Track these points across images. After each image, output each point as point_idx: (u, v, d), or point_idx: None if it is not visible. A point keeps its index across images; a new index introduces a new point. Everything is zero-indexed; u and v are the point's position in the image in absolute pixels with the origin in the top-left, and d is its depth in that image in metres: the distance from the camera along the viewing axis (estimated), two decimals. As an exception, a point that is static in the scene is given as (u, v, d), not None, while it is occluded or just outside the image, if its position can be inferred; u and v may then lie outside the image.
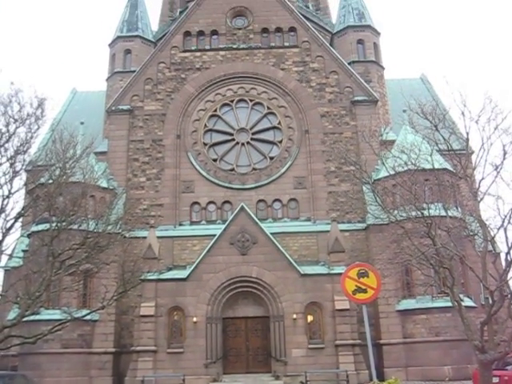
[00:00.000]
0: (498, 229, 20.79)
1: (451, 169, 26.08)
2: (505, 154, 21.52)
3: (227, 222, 29.87)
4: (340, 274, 15.90)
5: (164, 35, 38.67)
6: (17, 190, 22.70)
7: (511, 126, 21.63)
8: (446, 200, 25.21)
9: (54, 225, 22.01)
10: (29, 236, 28.91)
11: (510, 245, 20.44)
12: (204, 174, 33.08)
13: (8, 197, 22.01)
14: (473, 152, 24.64)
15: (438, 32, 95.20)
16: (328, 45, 36.45)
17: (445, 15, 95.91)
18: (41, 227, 25.66)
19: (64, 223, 21.63)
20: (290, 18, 36.38)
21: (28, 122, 21.85)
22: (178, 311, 28.11)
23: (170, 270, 30.07)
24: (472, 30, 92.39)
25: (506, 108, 21.94)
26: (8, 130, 22.20)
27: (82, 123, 33.63)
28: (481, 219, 21.93)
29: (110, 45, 39.79)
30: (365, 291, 13.26)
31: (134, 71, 36.26)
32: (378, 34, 39.38)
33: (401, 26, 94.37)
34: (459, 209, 25.93)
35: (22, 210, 22.63)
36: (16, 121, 22.22)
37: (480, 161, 21.90)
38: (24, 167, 23.05)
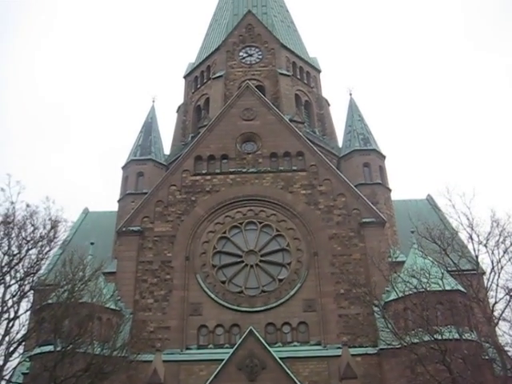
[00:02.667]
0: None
1: (463, 290, 25.71)
2: (516, 277, 21.36)
3: (235, 346, 29.11)
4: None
5: (176, 159, 39.94)
6: (24, 312, 22.52)
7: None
8: (459, 323, 24.67)
9: (58, 348, 21.58)
10: (30, 358, 28.00)
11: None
12: (212, 296, 32.71)
13: (14, 319, 21.78)
14: (484, 272, 24.45)
15: (442, 151, 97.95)
16: (335, 168, 37.42)
17: (448, 134, 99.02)
18: (44, 349, 24.96)
19: (69, 347, 21.22)
20: (297, 143, 37.65)
21: (40, 243, 22.15)
22: None
23: (175, 396, 28.89)
24: (476, 149, 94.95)
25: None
26: (20, 252, 22.44)
27: (92, 243, 34.04)
28: (498, 345, 21.29)
29: (123, 167, 41.04)
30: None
31: (146, 193, 37.06)
32: (384, 157, 40.49)
33: (406, 148, 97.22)
34: (474, 332, 25.26)
35: (27, 333, 22.29)
36: (28, 242, 22.52)
37: (491, 284, 21.74)
38: (32, 288, 23.02)
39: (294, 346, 31.33)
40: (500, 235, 21.91)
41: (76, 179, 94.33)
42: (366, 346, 30.11)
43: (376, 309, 27.45)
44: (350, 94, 44.23)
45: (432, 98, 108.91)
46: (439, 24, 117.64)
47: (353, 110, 43.16)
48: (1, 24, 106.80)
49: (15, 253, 22.46)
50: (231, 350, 29.12)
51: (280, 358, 28.66)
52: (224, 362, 28.39)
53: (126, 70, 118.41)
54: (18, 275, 22.24)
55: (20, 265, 22.62)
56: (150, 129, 43.51)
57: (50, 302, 23.62)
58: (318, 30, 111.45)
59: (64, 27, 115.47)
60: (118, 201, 39.53)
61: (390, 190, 38.85)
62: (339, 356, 29.12)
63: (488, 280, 22.17)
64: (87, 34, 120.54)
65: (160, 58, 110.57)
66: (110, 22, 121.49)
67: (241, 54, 48.34)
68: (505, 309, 20.96)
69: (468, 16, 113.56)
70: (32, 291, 23.75)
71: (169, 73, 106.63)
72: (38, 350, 26.14)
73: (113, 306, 30.34)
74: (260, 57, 48.03)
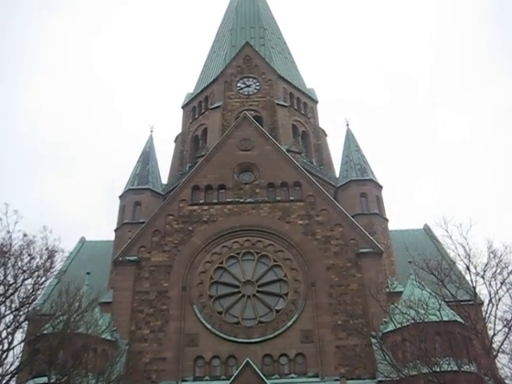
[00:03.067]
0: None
1: (462, 321, 25.55)
2: (515, 309, 21.26)
3: (232, 378, 28.84)
4: None
5: (173, 188, 40.04)
6: (18, 343, 22.27)
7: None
8: (458, 354, 24.48)
9: (52, 380, 21.30)
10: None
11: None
12: (209, 327, 32.41)
13: (8, 350, 21.53)
14: (482, 303, 24.33)
15: (439, 181, 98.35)
16: (332, 198, 37.51)
17: (445, 164, 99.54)
18: (38, 381, 24.57)
19: (64, 379, 20.95)
20: (294, 174, 37.83)
21: (36, 273, 22.02)
22: None
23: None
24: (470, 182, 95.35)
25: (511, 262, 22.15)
26: (16, 281, 22.28)
27: (88, 273, 33.80)
28: (497, 378, 21.11)
29: (120, 197, 41.03)
30: None
31: (143, 222, 37.01)
32: (380, 187, 40.61)
33: (403, 178, 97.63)
34: (473, 364, 25.02)
35: (21, 364, 22.01)
36: (24, 272, 22.38)
37: (489, 316, 21.65)
38: (27, 319, 22.80)
39: (292, 377, 30.97)
40: (497, 266, 21.92)
41: (73, 208, 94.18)
42: (364, 378, 29.80)
43: (374, 340, 27.28)
44: (347, 125, 44.58)
45: (429, 128, 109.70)
46: (433, 56, 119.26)
47: (349, 141, 43.42)
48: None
49: (11, 283, 22.30)
50: (228, 382, 28.78)
51: (277, 391, 28.30)
52: (220, 394, 28.04)
53: (125, 100, 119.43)
54: (13, 305, 22.05)
55: (15, 295, 22.43)
56: (147, 158, 43.65)
57: (45, 332, 23.39)
58: (315, 61, 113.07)
59: (64, 55, 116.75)
60: (115, 230, 39.42)
61: (387, 220, 38.88)
62: (337, 388, 28.82)
63: (486, 312, 22.08)
64: (87, 62, 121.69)
65: (158, 88, 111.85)
66: (111, 52, 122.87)
67: (239, 84, 48.90)
68: (504, 341, 20.85)
69: (455, 58, 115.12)
70: (27, 322, 23.54)
71: (167, 103, 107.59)
72: (31, 383, 25.78)
73: (108, 337, 30.03)
74: (258, 87, 48.57)
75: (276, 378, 30.50)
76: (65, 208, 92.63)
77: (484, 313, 22.84)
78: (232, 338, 32.04)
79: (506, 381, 21.07)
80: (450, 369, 22.64)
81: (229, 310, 33.33)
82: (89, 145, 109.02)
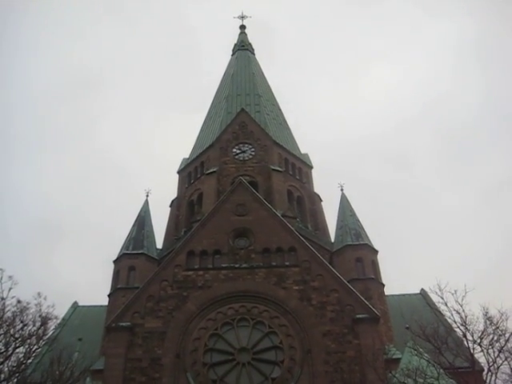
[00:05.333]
0: None
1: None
2: (514, 378, 20.95)
3: None
4: None
5: (168, 253, 39.95)
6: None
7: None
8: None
9: None
10: None
11: None
12: (203, 396, 31.66)
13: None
14: (482, 370, 23.98)
15: (435, 245, 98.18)
16: (327, 263, 37.39)
17: (441, 227, 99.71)
18: None
19: None
20: (290, 239, 37.82)
21: (28, 341, 21.69)
22: None
23: None
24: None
25: (508, 329, 22.00)
26: (7, 349, 21.92)
27: (79, 339, 33.25)
28: None
29: (115, 261, 40.85)
30: None
31: (137, 287, 36.66)
32: (376, 251, 40.60)
33: (398, 242, 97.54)
34: None
35: None
36: (16, 339, 22.05)
37: (489, 388, 21.27)
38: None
39: None
40: (494, 334, 21.74)
41: (65, 272, 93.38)
42: None
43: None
44: (342, 190, 45.03)
45: (424, 192, 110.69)
46: (422, 116, 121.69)
47: (344, 206, 43.76)
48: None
49: (2, 351, 21.91)
50: None
51: None
52: None
53: (121, 165, 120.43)
54: (3, 375, 21.59)
55: (5, 363, 21.99)
56: (143, 222, 43.74)
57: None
58: (309, 126, 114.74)
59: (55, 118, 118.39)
60: (109, 295, 39.05)
61: (383, 285, 38.69)
62: None
63: (485, 381, 21.74)
64: (82, 127, 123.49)
65: (154, 153, 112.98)
66: (108, 117, 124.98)
67: (234, 150, 49.69)
68: (505, 412, 20.42)
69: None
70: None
71: (163, 168, 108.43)
72: None
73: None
74: (253, 153, 49.34)
75: None
76: (57, 272, 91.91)
77: (484, 381, 22.48)
78: (227, 408, 31.22)
79: None
80: None
81: (223, 378, 32.55)
82: (82, 208, 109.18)
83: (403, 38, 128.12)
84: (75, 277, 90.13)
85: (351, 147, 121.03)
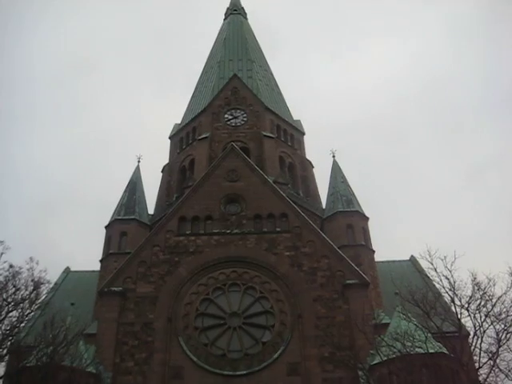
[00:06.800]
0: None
1: (448, 353, 25.53)
2: (499, 341, 21.39)
3: (217, 412, 28.50)
4: None
5: (160, 219, 39.97)
6: (0, 378, 21.94)
7: (502, 313, 21.86)
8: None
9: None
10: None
11: None
12: (194, 359, 32.05)
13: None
14: (468, 335, 24.41)
15: (426, 212, 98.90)
16: (319, 230, 37.63)
17: (432, 195, 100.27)
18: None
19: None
20: (281, 205, 37.96)
21: (21, 305, 21.81)
22: None
23: None
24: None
25: (495, 294, 22.34)
26: (0, 314, 22.04)
27: (72, 304, 33.42)
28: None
29: (106, 227, 40.89)
30: None
31: (129, 253, 36.84)
32: (367, 218, 40.84)
33: (389, 209, 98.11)
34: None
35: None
36: (9, 304, 22.15)
37: (475, 349, 21.73)
38: (10, 352, 22.49)
39: (278, 413, 30.63)
40: (481, 299, 22.08)
41: (58, 238, 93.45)
42: (351, 413, 29.49)
43: (360, 373, 27.16)
44: (333, 157, 45.08)
45: (415, 162, 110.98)
46: (419, 85, 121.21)
47: (336, 172, 43.84)
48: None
49: (-5, 315, 22.05)
50: (213, 416, 28.45)
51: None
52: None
53: (112, 130, 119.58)
54: (-5, 339, 21.76)
55: (-2, 327, 22.16)
56: (134, 188, 43.67)
57: (28, 365, 23.04)
58: (302, 92, 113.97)
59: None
60: (101, 260, 39.22)
61: (373, 252, 39.04)
62: (324, 422, 28.59)
63: (471, 344, 22.16)
64: (77, 88, 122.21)
65: (146, 118, 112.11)
66: (99, 81, 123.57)
67: (226, 116, 49.34)
68: (489, 374, 20.91)
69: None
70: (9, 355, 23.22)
71: (155, 133, 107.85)
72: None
73: (93, 371, 29.57)
74: (245, 119, 49.02)
75: (262, 412, 30.16)
76: (50, 237, 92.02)
77: (470, 345, 22.92)
78: (218, 371, 31.66)
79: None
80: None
81: (215, 342, 33.03)
82: (74, 174, 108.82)
83: (402, 14, 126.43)
84: (68, 245, 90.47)
85: (345, 119, 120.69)
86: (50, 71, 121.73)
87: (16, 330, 22.25)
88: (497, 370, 20.90)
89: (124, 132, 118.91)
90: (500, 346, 21.34)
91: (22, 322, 22.00)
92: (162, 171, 50.30)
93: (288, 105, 55.94)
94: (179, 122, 54.23)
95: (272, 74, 58.89)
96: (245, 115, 49.28)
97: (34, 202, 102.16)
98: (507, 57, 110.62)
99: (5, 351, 21.57)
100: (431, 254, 23.10)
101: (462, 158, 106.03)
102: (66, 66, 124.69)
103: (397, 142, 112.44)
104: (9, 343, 22.26)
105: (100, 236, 40.75)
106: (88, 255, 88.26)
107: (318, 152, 53.03)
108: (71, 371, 22.68)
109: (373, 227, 40.53)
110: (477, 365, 21.37)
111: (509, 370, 20.61)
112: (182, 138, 51.17)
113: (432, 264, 23.06)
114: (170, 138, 52.92)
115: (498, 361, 20.85)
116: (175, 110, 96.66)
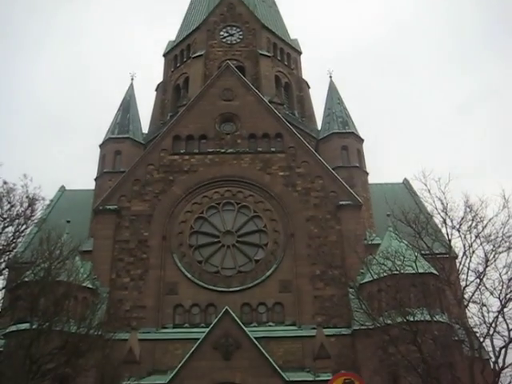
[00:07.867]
0: (484, 337, 20.70)
1: (436, 273, 26.18)
2: (487, 261, 21.87)
3: (211, 326, 29.45)
4: (326, 381, 15.59)
5: (154, 138, 39.70)
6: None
7: (492, 234, 22.22)
8: (431, 305, 25.17)
9: (34, 326, 21.52)
10: (5, 336, 27.71)
11: (496, 354, 20.29)
12: (189, 276, 32.86)
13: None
14: (456, 256, 24.91)
15: (420, 135, 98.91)
16: (313, 150, 37.59)
17: (427, 118, 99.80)
18: (20, 327, 24.75)
19: (45, 325, 21.19)
20: (276, 125, 37.71)
21: (17, 221, 21.92)
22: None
23: (150, 374, 29.11)
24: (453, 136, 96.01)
25: (487, 216, 22.60)
26: (-4, 229, 22.16)
27: (68, 222, 33.72)
28: (467, 326, 21.85)
29: (100, 145, 40.57)
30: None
31: (123, 172, 36.84)
32: (362, 140, 40.72)
33: (384, 132, 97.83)
34: (445, 314, 25.83)
35: (2, 311, 22.17)
36: (4, 219, 22.24)
37: (463, 268, 22.24)
38: (7, 266, 22.82)
39: (269, 326, 31.73)
40: (473, 220, 22.33)
41: (52, 156, 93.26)
42: (340, 327, 30.52)
43: (351, 290, 27.88)
44: (330, 77, 44.37)
45: (412, 82, 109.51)
46: (422, 9, 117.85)
47: (332, 93, 43.27)
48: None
49: (-10, 230, 22.18)
50: (207, 330, 29.40)
51: (255, 338, 29.00)
52: (199, 341, 28.68)
53: (106, 48, 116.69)
54: (-7, 253, 22.00)
55: (-5, 243, 22.34)
56: (128, 107, 43.01)
57: (26, 279, 23.51)
58: (300, 11, 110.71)
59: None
60: (95, 179, 39.19)
61: (367, 174, 39.19)
62: (314, 336, 29.65)
63: (460, 263, 22.63)
64: (68, 9, 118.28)
65: (140, 35, 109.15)
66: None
67: (221, 33, 48.01)
68: (475, 291, 21.46)
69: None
70: (7, 269, 23.58)
71: (149, 51, 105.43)
72: (13, 328, 25.89)
73: (89, 285, 30.27)
74: (241, 37, 47.75)
75: (254, 326, 31.19)
76: (45, 156, 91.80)
77: (458, 265, 23.40)
78: (211, 287, 32.55)
79: (475, 329, 21.77)
80: (422, 318, 23.33)
81: (208, 259, 33.73)
82: (68, 92, 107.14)
83: None
84: (64, 165, 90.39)
85: (343, 42, 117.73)
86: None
87: (13, 245, 22.42)
88: (482, 288, 21.42)
89: (117, 49, 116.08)
90: (487, 266, 21.79)
91: (18, 238, 22.16)
92: (156, 90, 49.42)
93: (285, 23, 54.36)
94: (174, 38, 52.78)
95: (270, -10, 56.80)
96: (241, 33, 47.94)
97: (28, 124, 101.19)
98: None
99: (3, 265, 21.85)
100: (425, 175, 23.10)
101: (463, 85, 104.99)
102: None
103: (394, 70, 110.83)
104: (7, 258, 22.50)
105: (95, 156, 40.53)
106: (83, 176, 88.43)
107: (315, 75, 52.16)
108: (68, 286, 23.16)
109: (368, 149, 40.47)
110: (463, 283, 21.87)
111: (494, 288, 21.15)
112: (177, 55, 49.94)
113: (426, 185, 23.09)
114: (163, 55, 51.65)
115: (484, 279, 21.34)
116: (172, 28, 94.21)
